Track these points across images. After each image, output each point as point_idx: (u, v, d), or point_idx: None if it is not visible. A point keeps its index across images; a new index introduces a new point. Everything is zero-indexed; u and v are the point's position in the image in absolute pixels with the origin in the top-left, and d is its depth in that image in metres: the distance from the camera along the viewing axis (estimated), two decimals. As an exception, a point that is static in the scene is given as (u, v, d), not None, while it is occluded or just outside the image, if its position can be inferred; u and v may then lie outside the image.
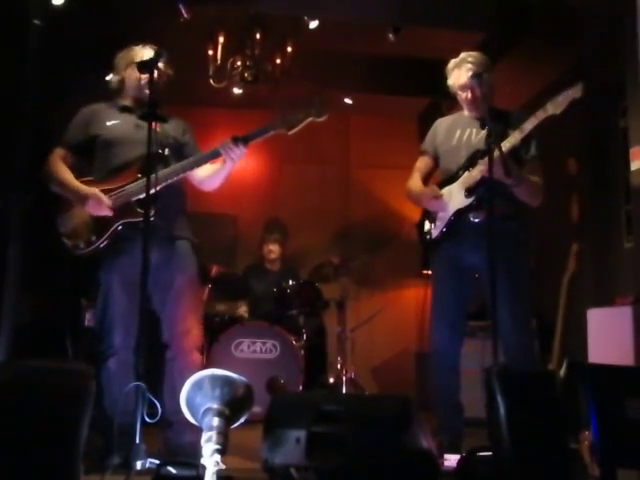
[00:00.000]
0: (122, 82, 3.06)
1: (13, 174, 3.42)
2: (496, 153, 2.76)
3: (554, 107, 2.77)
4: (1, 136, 3.38)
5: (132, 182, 2.88)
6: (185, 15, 4.69)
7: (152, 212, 2.76)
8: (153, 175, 2.72)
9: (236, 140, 2.86)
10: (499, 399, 2.00)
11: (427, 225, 3.22)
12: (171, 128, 3.06)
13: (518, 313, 2.98)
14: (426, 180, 3.31)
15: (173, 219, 3.00)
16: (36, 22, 3.58)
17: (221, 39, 5.00)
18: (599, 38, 4.60)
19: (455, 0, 4.61)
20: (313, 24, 4.89)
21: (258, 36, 5.03)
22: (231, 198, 5.72)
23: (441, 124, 3.30)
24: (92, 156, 3.00)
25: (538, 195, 3.05)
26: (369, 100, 6.20)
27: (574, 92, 2.76)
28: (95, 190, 2.88)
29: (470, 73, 3.04)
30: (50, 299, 4.61)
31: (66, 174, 2.97)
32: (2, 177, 3.36)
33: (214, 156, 2.92)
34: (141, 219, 2.76)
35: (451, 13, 4.67)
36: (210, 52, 5.05)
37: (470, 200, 3.01)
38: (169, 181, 2.89)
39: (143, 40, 3.07)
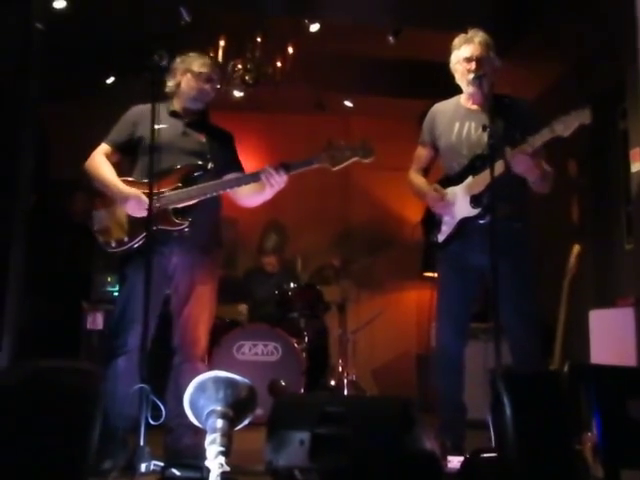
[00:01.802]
0: (178, 87, 3.08)
1: (15, 176, 3.42)
2: (521, 149, 2.78)
3: (562, 128, 2.70)
4: (3, 138, 3.38)
5: (172, 190, 2.89)
6: (186, 18, 4.70)
7: (186, 223, 2.87)
8: (191, 188, 2.87)
9: (277, 167, 2.90)
10: (505, 400, 2.00)
11: (432, 227, 3.20)
12: (216, 141, 3.10)
13: (524, 309, 2.97)
14: (427, 170, 3.27)
15: (206, 230, 3.02)
16: (38, 26, 3.58)
17: (222, 42, 5.01)
18: (599, 41, 4.61)
19: (455, 2, 4.61)
20: (314, 27, 4.91)
21: (259, 39, 5.05)
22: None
23: (438, 113, 3.23)
24: (135, 156, 3.02)
25: (551, 184, 3.03)
26: (369, 102, 6.21)
27: (582, 117, 2.67)
28: (137, 191, 2.88)
29: (479, 46, 3.03)
30: (52, 302, 4.61)
31: (108, 171, 2.98)
32: (4, 179, 3.36)
33: (254, 179, 2.96)
34: (174, 228, 2.85)
35: (451, 15, 4.68)
36: (211, 55, 5.06)
37: (477, 211, 3.00)
38: (207, 195, 2.92)
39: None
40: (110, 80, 5.31)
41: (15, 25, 3.49)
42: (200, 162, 2.98)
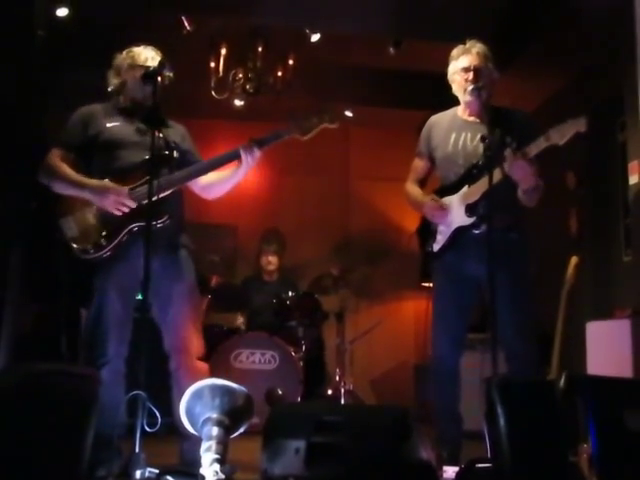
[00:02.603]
0: (123, 84, 2.96)
1: (16, 183, 3.43)
2: (526, 152, 2.77)
3: (558, 137, 2.71)
4: (5, 145, 3.40)
5: (142, 185, 2.75)
6: (188, 27, 4.73)
7: (166, 216, 2.76)
8: (163, 178, 2.73)
9: (249, 144, 2.82)
10: (499, 409, 2.00)
11: (428, 237, 3.20)
12: (172, 134, 3.01)
13: (520, 320, 2.97)
14: (424, 182, 3.28)
15: (174, 227, 2.92)
16: (40, 33, 3.61)
17: (223, 51, 5.04)
18: (598, 54, 4.64)
19: (456, 14, 4.64)
20: (315, 37, 4.94)
21: (260, 48, 5.08)
22: (231, 209, 5.75)
23: (435, 125, 3.23)
24: (90, 157, 2.92)
25: (540, 197, 3.02)
26: (369, 112, 6.23)
27: (578, 126, 2.69)
28: (115, 184, 2.77)
29: (478, 57, 3.03)
30: (50, 307, 4.61)
31: (73, 173, 2.85)
32: (5, 186, 3.37)
33: (234, 157, 2.86)
34: (153, 222, 2.68)
35: (452, 27, 4.71)
36: (212, 64, 5.09)
37: (472, 220, 3.01)
38: (182, 183, 2.85)
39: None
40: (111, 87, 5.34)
41: (17, 32, 3.52)
42: (166, 152, 2.87)
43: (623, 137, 4.31)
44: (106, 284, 2.80)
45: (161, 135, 2.91)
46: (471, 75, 3.04)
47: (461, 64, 3.08)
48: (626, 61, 3.68)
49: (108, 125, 2.92)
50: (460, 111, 3.19)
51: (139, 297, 2.79)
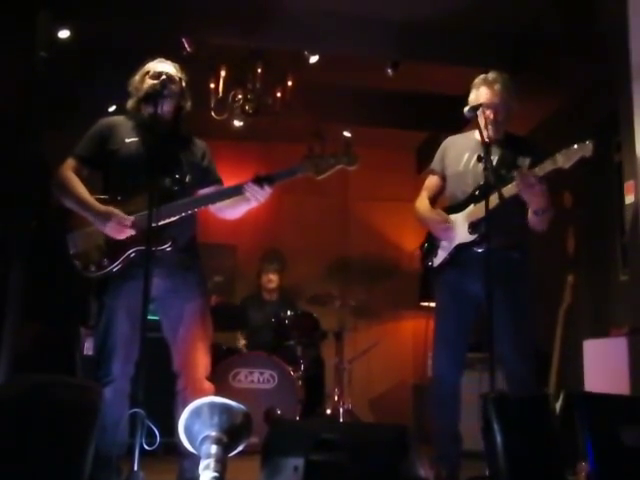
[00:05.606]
0: (139, 103, 2.91)
1: (17, 202, 3.45)
2: (536, 172, 2.80)
3: (564, 160, 2.74)
4: (6, 165, 3.42)
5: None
6: (188, 48, 4.78)
7: (169, 242, 2.72)
8: (165, 206, 2.65)
9: (260, 180, 2.75)
10: (495, 425, 2.01)
11: (430, 253, 3.22)
12: (191, 152, 2.97)
13: (519, 340, 2.99)
14: (435, 199, 3.31)
15: (186, 248, 2.90)
16: (42, 54, 3.65)
17: (223, 72, 5.09)
18: (594, 75, 4.68)
19: (454, 35, 4.70)
20: (313, 59, 5.00)
21: (259, 70, 5.12)
22: (230, 228, 5.74)
23: (450, 145, 3.28)
24: (105, 172, 2.88)
25: (548, 223, 3.05)
26: (368, 133, 6.26)
27: (585, 150, 2.72)
28: (117, 211, 2.73)
29: (499, 94, 3.04)
30: (50, 327, 4.61)
31: (82, 190, 2.80)
32: (6, 205, 3.39)
33: (237, 192, 2.80)
34: (158, 248, 2.65)
35: (450, 48, 4.77)
36: (212, 85, 5.13)
37: (474, 237, 3.03)
38: (188, 212, 2.79)
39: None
40: (112, 108, 5.38)
41: (19, 53, 3.56)
42: (177, 175, 2.84)
43: (619, 157, 4.35)
44: (115, 303, 2.78)
45: (178, 152, 2.90)
46: (490, 113, 3.07)
47: (482, 97, 3.08)
48: (621, 83, 3.72)
49: (127, 140, 2.87)
50: (477, 133, 3.22)
51: (150, 317, 2.69)
